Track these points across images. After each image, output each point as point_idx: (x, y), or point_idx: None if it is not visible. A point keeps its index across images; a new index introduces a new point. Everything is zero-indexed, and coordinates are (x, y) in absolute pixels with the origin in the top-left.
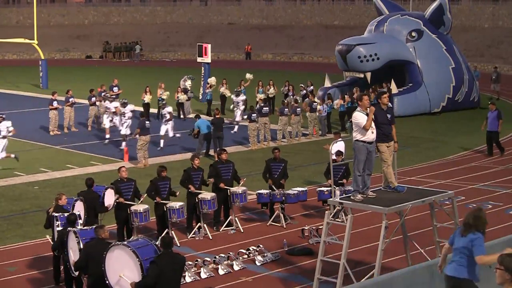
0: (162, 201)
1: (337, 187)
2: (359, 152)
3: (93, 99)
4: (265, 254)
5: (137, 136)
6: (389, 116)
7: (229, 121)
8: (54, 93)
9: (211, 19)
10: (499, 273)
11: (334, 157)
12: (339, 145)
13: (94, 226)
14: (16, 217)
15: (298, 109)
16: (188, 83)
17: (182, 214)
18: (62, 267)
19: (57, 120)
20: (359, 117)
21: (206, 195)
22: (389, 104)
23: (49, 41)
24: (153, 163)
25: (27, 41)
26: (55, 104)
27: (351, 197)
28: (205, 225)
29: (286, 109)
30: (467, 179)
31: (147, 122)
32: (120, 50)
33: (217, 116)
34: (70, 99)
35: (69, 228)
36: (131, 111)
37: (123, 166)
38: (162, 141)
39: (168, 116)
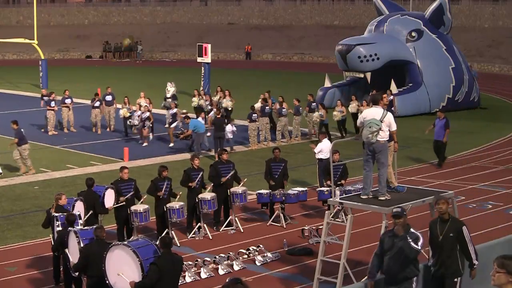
0: (163, 196)
1: (337, 187)
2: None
3: (97, 103)
4: (265, 254)
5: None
6: None
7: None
8: (51, 93)
9: (211, 19)
10: (499, 276)
11: (322, 156)
12: (325, 145)
13: (94, 227)
14: (16, 217)
15: (300, 108)
16: (168, 89)
17: (182, 214)
18: (62, 267)
19: (55, 121)
20: (393, 120)
21: (206, 195)
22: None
23: (49, 41)
24: (154, 163)
25: (27, 41)
26: (52, 104)
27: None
28: (205, 225)
29: (284, 109)
30: (467, 179)
31: (22, 129)
32: (120, 50)
33: (218, 117)
34: (66, 100)
35: (69, 228)
36: None
37: (126, 168)
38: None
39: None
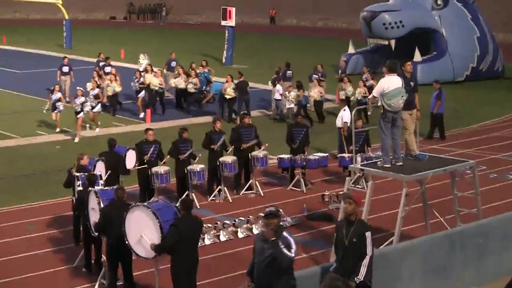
0: (184, 157)
1: (358, 154)
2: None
3: (108, 68)
4: (285, 219)
5: None
6: (412, 84)
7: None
8: (64, 58)
9: None
10: None
11: (341, 124)
12: (346, 114)
13: (114, 187)
14: (37, 176)
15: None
16: (141, 62)
17: (203, 177)
18: (81, 227)
19: (66, 87)
20: None
21: (227, 158)
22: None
23: (74, 1)
24: (175, 125)
25: (51, 0)
26: (65, 69)
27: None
28: (225, 188)
29: (315, 75)
30: (488, 149)
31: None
32: (144, 12)
33: (240, 79)
34: (101, 63)
35: (90, 188)
36: None
37: (151, 129)
38: None
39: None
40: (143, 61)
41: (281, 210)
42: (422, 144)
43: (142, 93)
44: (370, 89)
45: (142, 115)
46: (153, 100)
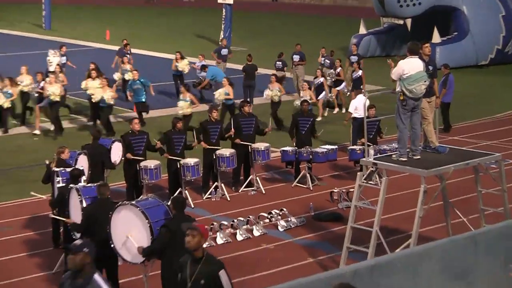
0: (174, 158)
1: (371, 146)
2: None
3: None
4: (289, 219)
5: None
6: (430, 68)
7: None
8: (62, 46)
9: None
10: None
11: (356, 115)
12: (359, 102)
13: (97, 184)
14: (13, 172)
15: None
16: (50, 60)
17: (197, 172)
18: (61, 228)
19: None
20: None
21: (225, 151)
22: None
23: None
24: (168, 114)
25: None
26: (63, 60)
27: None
28: (222, 184)
29: (328, 61)
30: None
31: None
32: None
33: (249, 63)
34: (127, 55)
35: (71, 185)
36: None
37: (136, 118)
38: None
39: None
40: (53, 58)
41: (285, 209)
42: (441, 135)
43: (45, 101)
44: (319, 89)
45: (37, 131)
46: (54, 113)
